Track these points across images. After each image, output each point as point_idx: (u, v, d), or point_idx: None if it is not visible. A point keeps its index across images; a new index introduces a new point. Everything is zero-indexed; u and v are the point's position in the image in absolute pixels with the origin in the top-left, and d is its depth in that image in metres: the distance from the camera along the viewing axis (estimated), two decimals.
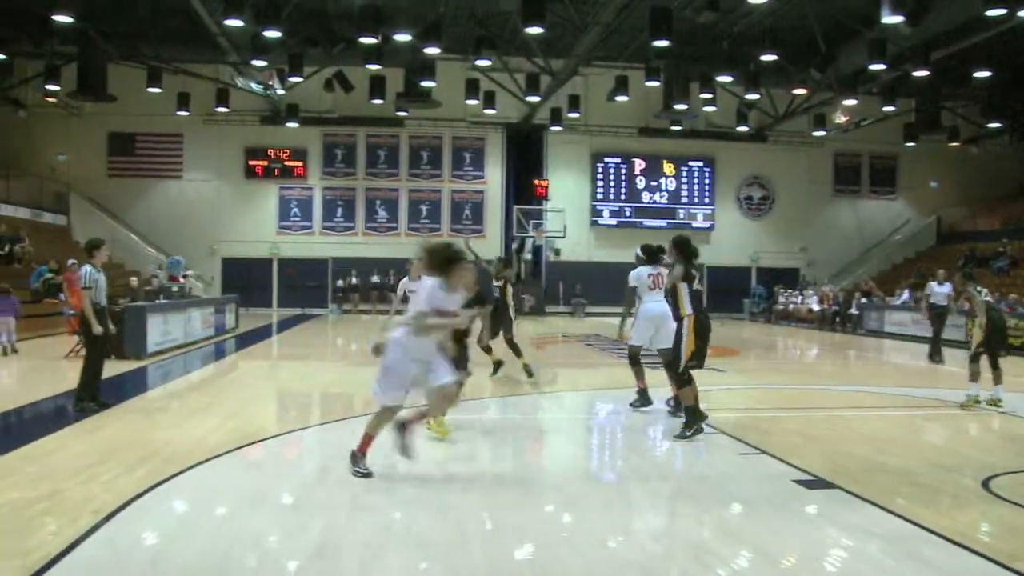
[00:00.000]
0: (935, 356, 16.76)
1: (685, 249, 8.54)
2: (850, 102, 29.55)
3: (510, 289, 13.55)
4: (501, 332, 12.80)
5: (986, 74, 26.20)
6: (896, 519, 5.69)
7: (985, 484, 6.65)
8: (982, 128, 31.92)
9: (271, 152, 32.85)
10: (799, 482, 6.70)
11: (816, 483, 6.56)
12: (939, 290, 16.93)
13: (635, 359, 10.14)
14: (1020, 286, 24.51)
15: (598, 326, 26.09)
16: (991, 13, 18.41)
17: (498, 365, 12.83)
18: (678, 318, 8.60)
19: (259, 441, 8.08)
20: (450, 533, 5.35)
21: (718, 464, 7.52)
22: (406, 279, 9.98)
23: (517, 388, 12.15)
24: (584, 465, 7.88)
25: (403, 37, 23.14)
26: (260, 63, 24.96)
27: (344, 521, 5.54)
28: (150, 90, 26.98)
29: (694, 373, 8.39)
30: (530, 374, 12.58)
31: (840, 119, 32.47)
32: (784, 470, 7.11)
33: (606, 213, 34.16)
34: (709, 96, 27.89)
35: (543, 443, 8.61)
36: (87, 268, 9.72)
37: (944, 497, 6.38)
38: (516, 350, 12.93)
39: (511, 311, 13.26)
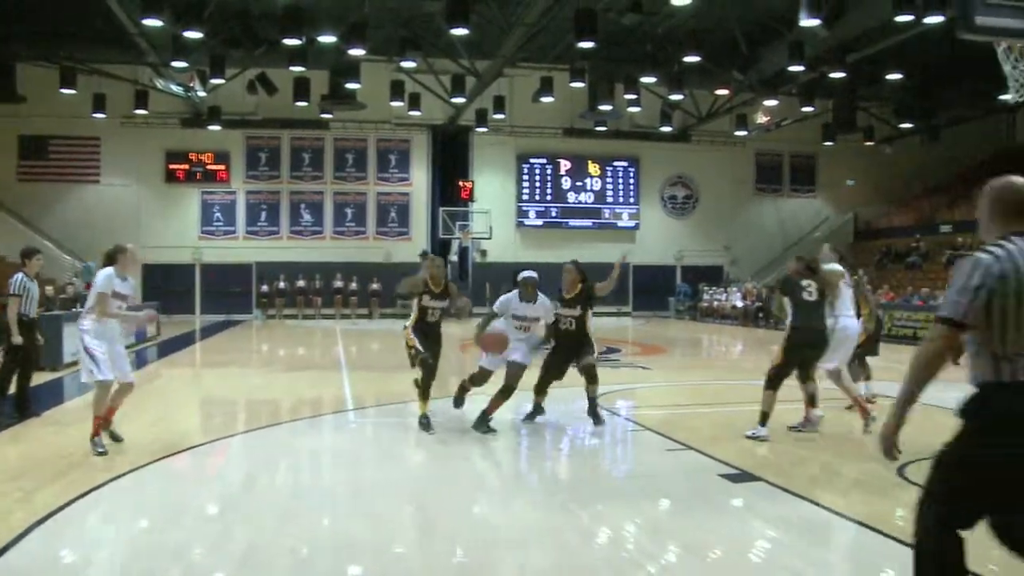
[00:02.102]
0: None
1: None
2: (771, 103, 30.15)
3: None
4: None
5: (898, 77, 27.02)
6: (818, 509, 5.83)
7: (900, 471, 6.85)
8: (895, 129, 32.81)
9: (193, 156, 32.21)
10: (725, 476, 6.81)
11: (741, 476, 6.68)
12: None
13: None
14: (932, 280, 25.28)
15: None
16: (900, 19, 19.07)
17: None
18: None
19: (183, 451, 7.91)
20: (380, 538, 5.31)
21: (646, 460, 7.59)
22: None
23: (445, 390, 12.11)
24: (513, 466, 7.89)
25: (327, 38, 22.91)
26: (180, 64, 24.42)
27: (272, 529, 5.46)
28: (63, 91, 26.18)
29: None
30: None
31: (761, 119, 33.06)
32: (710, 465, 7.22)
33: (532, 214, 34.28)
34: (633, 97, 28.22)
35: (472, 445, 8.59)
36: (19, 276, 9.49)
37: (862, 485, 6.55)
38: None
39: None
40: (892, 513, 5.78)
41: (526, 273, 9.07)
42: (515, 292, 9.04)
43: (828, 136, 31.96)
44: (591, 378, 9.06)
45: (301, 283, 31.88)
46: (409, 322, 8.82)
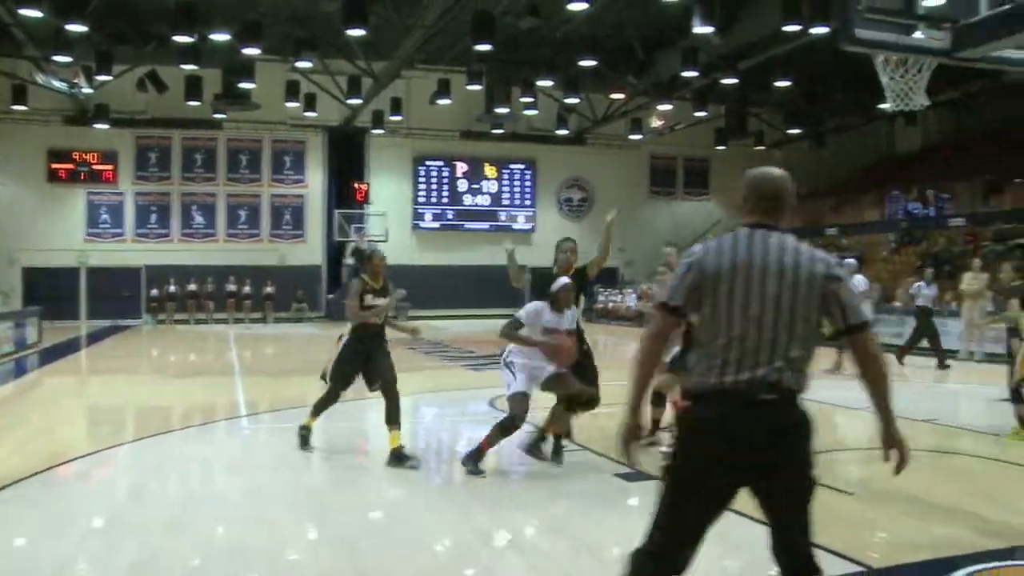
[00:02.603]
0: (942, 363, 16.26)
1: None
2: (665, 107, 30.76)
3: None
4: None
5: (787, 84, 27.91)
6: None
7: None
8: (784, 134, 33.90)
9: (77, 155, 30.99)
10: (621, 475, 6.92)
11: (636, 476, 6.78)
12: (927, 292, 16.71)
13: None
14: None
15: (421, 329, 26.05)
16: (788, 28, 19.76)
17: None
18: None
19: (67, 462, 7.65)
20: (275, 545, 5.24)
21: (542, 463, 7.65)
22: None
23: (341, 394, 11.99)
24: (410, 470, 7.85)
25: (220, 37, 22.43)
26: (63, 59, 23.47)
27: (160, 540, 5.32)
28: None
29: None
30: None
31: (656, 123, 33.67)
32: (607, 465, 7.32)
33: (428, 216, 34.17)
34: (530, 100, 28.44)
35: (368, 449, 8.53)
36: None
37: None
38: None
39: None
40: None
41: (564, 280, 7.80)
42: (543, 303, 7.83)
43: (720, 140, 32.80)
44: (583, 407, 7.85)
45: (193, 287, 31.07)
46: (346, 331, 7.97)
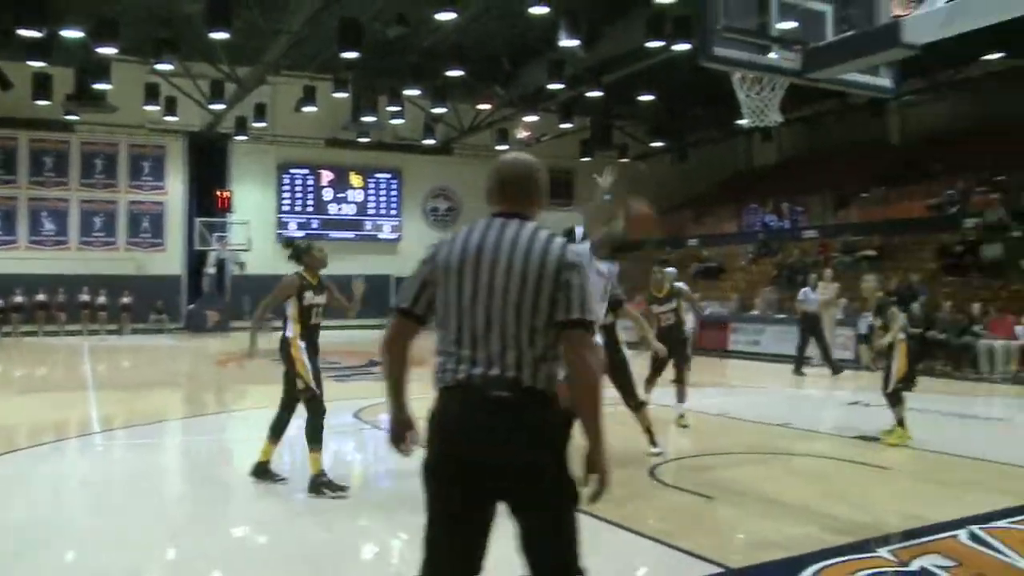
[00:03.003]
0: (799, 369, 16.68)
1: None
2: (531, 118, 31.15)
3: None
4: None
5: (650, 98, 28.74)
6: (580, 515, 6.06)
7: (652, 472, 7.28)
8: (648, 147, 34.83)
9: None
10: None
11: None
12: (813, 297, 16.85)
13: None
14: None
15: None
16: (651, 44, 20.42)
17: None
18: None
19: None
20: (131, 566, 5.06)
21: (411, 473, 7.63)
22: None
23: (202, 408, 11.69)
24: (271, 486, 7.69)
25: (73, 33, 21.50)
26: None
27: (9, 568, 5.07)
28: None
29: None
30: None
31: (522, 134, 34.01)
32: None
33: (293, 225, 33.56)
34: (397, 109, 28.37)
35: (231, 464, 8.33)
36: None
37: (619, 489, 6.88)
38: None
39: None
40: (645, 514, 6.13)
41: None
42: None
43: (585, 152, 33.43)
44: None
45: (42, 296, 29.54)
46: (292, 332, 7.30)
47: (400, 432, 3.11)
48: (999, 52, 23.58)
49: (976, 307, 17.31)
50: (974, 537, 5.51)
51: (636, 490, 6.79)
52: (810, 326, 16.76)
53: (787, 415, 10.95)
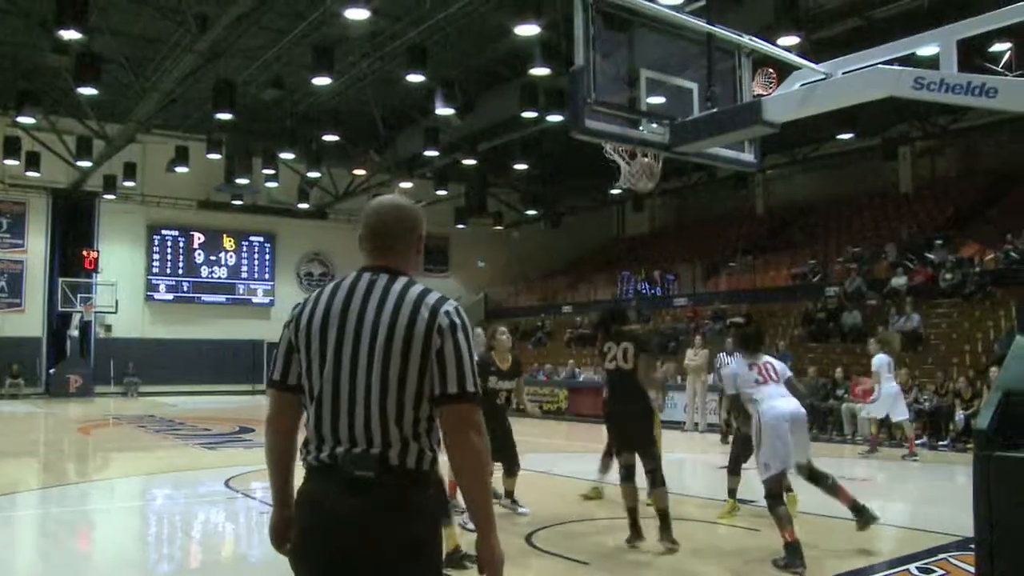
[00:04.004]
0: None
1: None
2: (406, 185, 31.30)
3: None
4: None
5: (524, 167, 29.34)
6: None
7: (528, 539, 7.30)
8: (522, 215, 35.42)
9: None
10: None
11: None
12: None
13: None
14: (554, 356, 27.23)
15: (152, 406, 24.74)
16: (526, 114, 20.95)
17: None
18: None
19: None
20: None
21: (243, 525, 7.49)
22: None
23: (63, 477, 11.18)
24: (137, 555, 7.41)
25: None
26: None
27: None
28: None
29: None
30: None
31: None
32: None
33: (162, 287, 32.63)
34: (271, 172, 28.10)
35: (91, 535, 7.98)
36: None
37: None
38: None
39: None
40: None
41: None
42: (736, 357, 7.40)
43: (460, 219, 33.75)
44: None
45: None
46: None
47: (281, 532, 2.75)
48: (849, 132, 25.16)
49: (838, 371, 18.09)
50: None
51: (513, 556, 6.78)
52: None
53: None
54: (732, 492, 8.93)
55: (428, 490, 2.60)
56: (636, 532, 7.18)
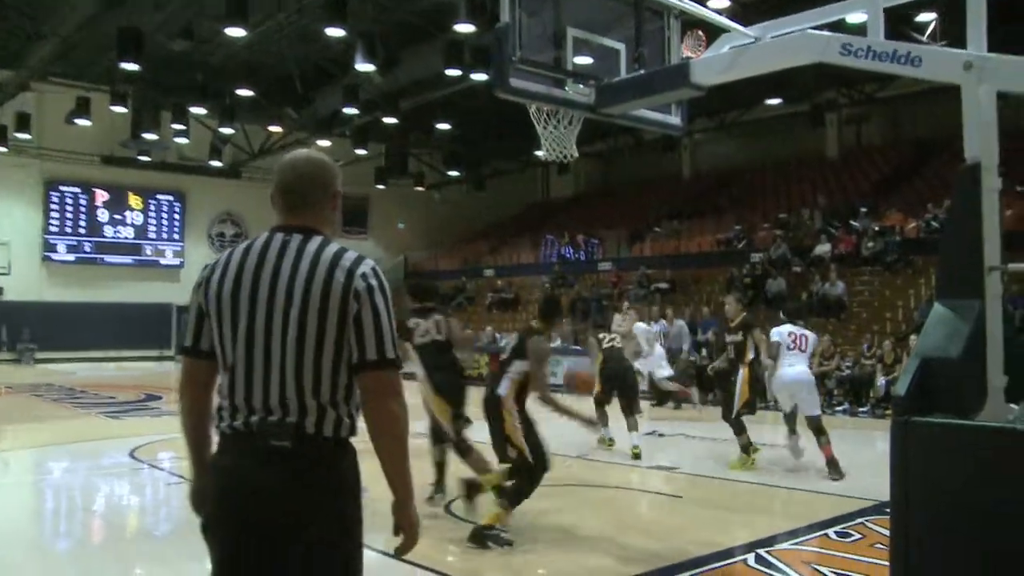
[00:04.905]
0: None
1: None
2: (324, 143, 30.90)
3: None
4: None
5: (447, 127, 29.18)
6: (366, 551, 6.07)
7: (448, 508, 7.37)
8: (444, 176, 35.29)
9: None
10: None
11: None
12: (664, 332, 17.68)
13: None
14: (476, 321, 27.30)
15: (49, 374, 24.08)
16: (450, 72, 20.82)
17: None
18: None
19: None
20: None
21: (150, 498, 7.48)
22: None
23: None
24: (31, 532, 7.26)
25: None
26: None
27: None
28: None
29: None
30: None
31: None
32: None
33: (62, 247, 31.68)
34: (182, 128, 27.36)
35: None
36: None
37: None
38: None
39: None
40: (443, 550, 6.22)
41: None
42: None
43: (380, 179, 33.47)
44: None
45: None
46: (506, 391, 6.66)
47: (199, 497, 2.68)
48: (777, 98, 25.58)
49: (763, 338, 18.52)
50: (761, 560, 5.94)
51: (431, 525, 6.85)
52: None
53: (583, 447, 11.31)
54: (745, 448, 9.56)
55: (347, 460, 2.57)
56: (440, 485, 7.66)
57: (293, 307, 2.49)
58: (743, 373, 9.60)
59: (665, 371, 15.82)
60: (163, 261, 33.31)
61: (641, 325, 15.09)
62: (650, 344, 15.23)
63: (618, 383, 10.69)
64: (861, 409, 16.17)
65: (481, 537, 6.29)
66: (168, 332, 31.47)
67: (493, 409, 6.66)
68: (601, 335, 11.24)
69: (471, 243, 36.47)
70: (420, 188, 35.25)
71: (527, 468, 6.49)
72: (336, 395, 2.52)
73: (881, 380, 15.90)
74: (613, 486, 9.04)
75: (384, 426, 2.54)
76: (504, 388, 6.61)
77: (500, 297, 28.83)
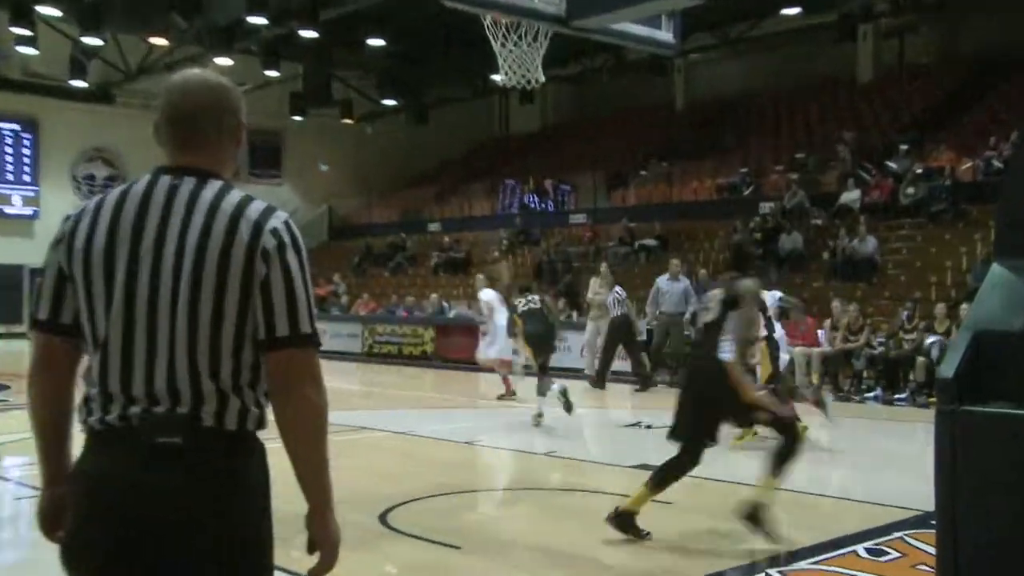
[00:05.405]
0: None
1: None
2: (224, 61, 30.47)
3: None
4: None
5: (381, 43, 28.81)
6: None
7: (383, 518, 7.38)
8: (378, 105, 34.96)
9: None
10: None
11: None
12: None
13: None
14: (420, 287, 27.20)
15: None
16: None
17: None
18: None
19: None
20: None
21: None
22: None
23: None
24: None
25: None
26: None
27: None
28: None
29: None
30: None
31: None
32: None
33: None
34: (28, 34, 26.44)
35: None
36: None
37: (344, 538, 6.93)
38: None
39: None
40: (378, 566, 6.23)
41: None
42: None
43: (298, 109, 33.06)
44: None
45: None
46: (732, 354, 6.67)
47: (51, 514, 2.59)
48: (795, 6, 25.39)
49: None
50: None
51: (362, 540, 6.82)
52: (621, 332, 17.54)
53: (552, 441, 11.32)
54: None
55: (254, 459, 2.53)
56: None
57: (184, 270, 2.40)
58: (763, 348, 9.80)
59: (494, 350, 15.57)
60: (9, 210, 32.60)
61: (490, 292, 15.47)
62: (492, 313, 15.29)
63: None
64: (898, 396, 16.10)
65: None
66: (18, 301, 31.01)
67: (712, 383, 6.79)
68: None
69: (412, 190, 36.35)
70: (348, 120, 34.87)
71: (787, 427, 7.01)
72: (240, 378, 2.45)
73: (935, 351, 15.11)
74: (588, 490, 9.07)
75: (297, 418, 2.47)
76: (728, 351, 6.61)
77: (448, 257, 28.73)
